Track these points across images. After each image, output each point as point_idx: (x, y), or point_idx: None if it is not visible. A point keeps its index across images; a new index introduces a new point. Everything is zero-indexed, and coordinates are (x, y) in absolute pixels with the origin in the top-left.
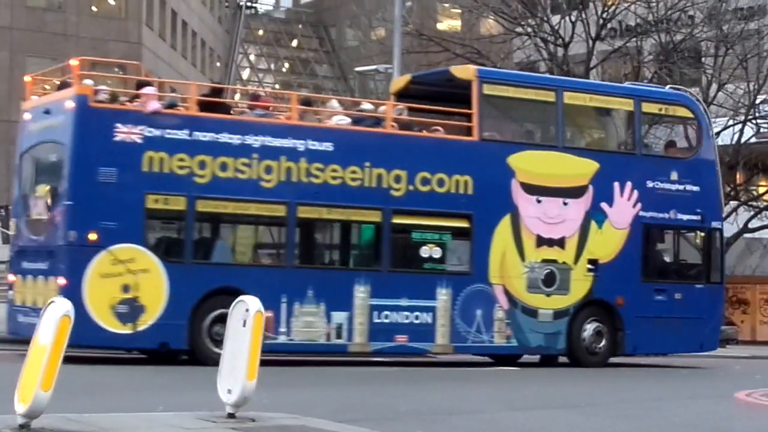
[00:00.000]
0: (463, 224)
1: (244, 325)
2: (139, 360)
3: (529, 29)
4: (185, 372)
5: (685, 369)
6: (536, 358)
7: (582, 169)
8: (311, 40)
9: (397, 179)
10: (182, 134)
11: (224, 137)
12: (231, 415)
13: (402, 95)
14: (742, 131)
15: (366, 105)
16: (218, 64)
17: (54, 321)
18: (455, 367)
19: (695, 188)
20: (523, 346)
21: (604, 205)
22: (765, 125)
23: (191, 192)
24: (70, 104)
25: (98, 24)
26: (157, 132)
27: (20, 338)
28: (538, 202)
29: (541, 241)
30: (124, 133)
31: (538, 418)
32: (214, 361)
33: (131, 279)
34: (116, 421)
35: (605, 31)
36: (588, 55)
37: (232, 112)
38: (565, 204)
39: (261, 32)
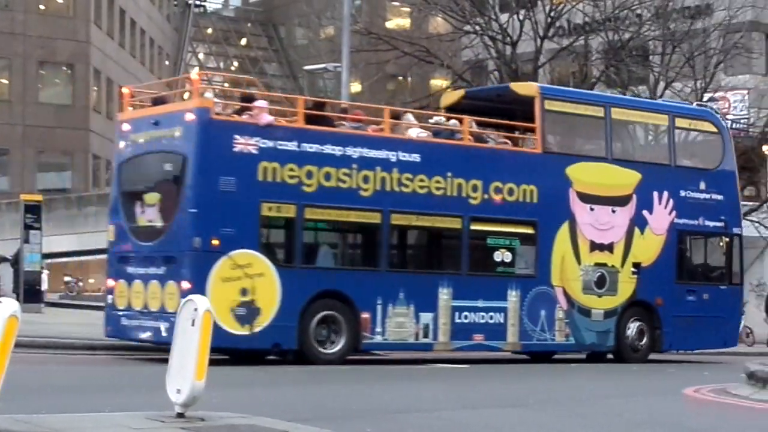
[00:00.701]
0: (529, 230)
1: (192, 325)
2: (87, 360)
3: (478, 28)
4: (134, 372)
5: (634, 365)
6: (481, 355)
7: (627, 179)
8: (260, 38)
9: (474, 188)
10: (291, 146)
11: (328, 149)
12: (180, 415)
13: (453, 109)
14: None
15: (439, 118)
16: (167, 62)
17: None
18: (412, 366)
19: (719, 197)
20: (579, 344)
21: (645, 213)
22: None
23: (300, 200)
24: (191, 116)
25: (46, 22)
26: (270, 143)
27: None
28: (591, 210)
29: (593, 246)
30: (242, 144)
31: (490, 415)
32: (320, 360)
33: (248, 283)
34: (65, 421)
35: (553, 29)
36: (536, 54)
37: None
38: (613, 212)
39: (210, 30)
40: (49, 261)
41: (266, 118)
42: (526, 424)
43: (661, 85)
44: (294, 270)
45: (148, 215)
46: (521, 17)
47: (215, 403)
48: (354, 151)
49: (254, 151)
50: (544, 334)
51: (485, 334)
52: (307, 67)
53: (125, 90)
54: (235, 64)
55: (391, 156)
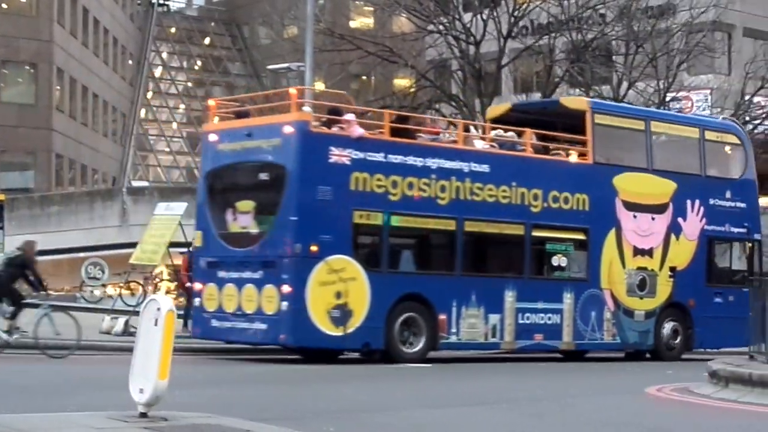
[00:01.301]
0: (581, 237)
1: (155, 324)
2: (49, 359)
3: (441, 27)
4: (97, 372)
5: (596, 364)
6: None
7: (665, 188)
8: (224, 38)
9: (535, 197)
10: (379, 157)
11: (410, 160)
12: (143, 415)
13: (499, 121)
14: None
15: (498, 131)
16: (130, 61)
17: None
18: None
19: (743, 205)
20: (624, 343)
21: (680, 220)
22: None
23: (386, 208)
24: (290, 129)
25: (8, 21)
26: (361, 155)
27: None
28: (634, 217)
29: (636, 251)
30: (337, 155)
31: (453, 415)
32: (402, 359)
33: (342, 286)
34: (28, 421)
35: (517, 29)
36: (500, 53)
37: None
38: (653, 219)
39: (173, 30)
40: None
41: (358, 131)
42: (488, 423)
43: (624, 85)
44: (381, 274)
45: (242, 222)
46: (485, 17)
47: (179, 402)
48: (432, 162)
49: (347, 162)
50: (594, 333)
51: (544, 333)
52: (270, 67)
53: (211, 102)
54: (199, 63)
55: (464, 167)
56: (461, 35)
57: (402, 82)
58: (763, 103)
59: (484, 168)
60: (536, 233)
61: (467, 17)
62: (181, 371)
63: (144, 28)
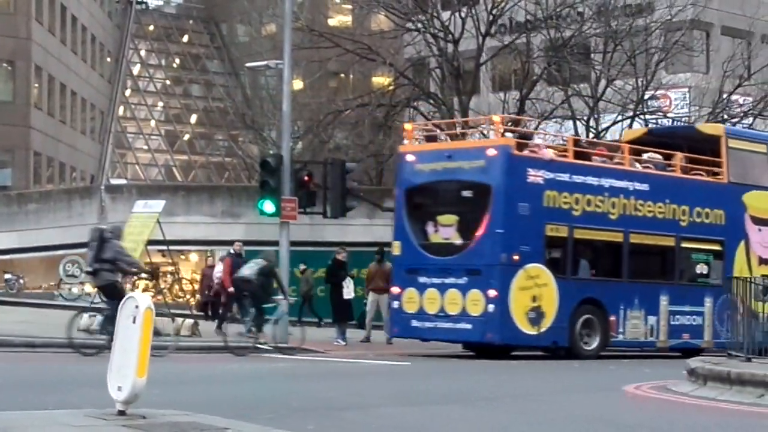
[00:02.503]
0: (718, 248)
1: (134, 322)
2: (27, 357)
3: (420, 25)
4: (75, 370)
5: (576, 362)
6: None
7: None
8: (202, 35)
9: (683, 213)
10: (565, 177)
11: (589, 180)
12: (121, 413)
13: (636, 143)
14: (630, 126)
15: (652, 155)
16: (109, 59)
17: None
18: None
19: None
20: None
21: None
22: (653, 120)
23: (570, 222)
24: (494, 152)
25: None
26: (551, 175)
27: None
28: (759, 230)
29: (761, 261)
30: (533, 176)
31: (433, 413)
32: (582, 356)
33: (537, 291)
34: (4, 419)
35: (495, 27)
36: (478, 51)
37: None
38: None
39: (151, 27)
40: None
41: (549, 154)
42: (466, 421)
43: (603, 83)
44: (566, 281)
45: (444, 234)
46: (463, 15)
47: (157, 400)
48: (606, 182)
49: (541, 182)
50: (728, 333)
51: (690, 333)
52: (248, 65)
53: (408, 126)
54: (177, 61)
55: (630, 186)
56: (439, 33)
57: (380, 80)
58: (741, 102)
59: (645, 187)
60: (684, 245)
61: (445, 15)
62: (160, 369)
63: (122, 26)
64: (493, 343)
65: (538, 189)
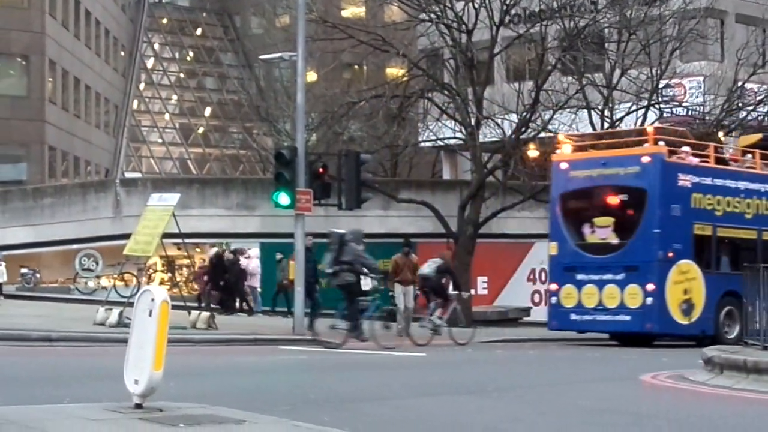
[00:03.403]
0: None
1: (150, 315)
2: (44, 352)
3: (433, 16)
4: (92, 363)
5: (590, 352)
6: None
7: None
8: (215, 28)
9: None
10: (708, 181)
11: (728, 183)
12: (138, 406)
13: (751, 147)
14: (645, 116)
15: None
16: (122, 53)
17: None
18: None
19: None
20: None
21: None
22: (667, 110)
23: (714, 222)
24: (648, 159)
25: (0, 13)
26: (696, 179)
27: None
28: None
29: None
30: (682, 180)
31: (448, 403)
32: (725, 343)
33: (688, 285)
34: (22, 413)
35: (509, 17)
36: (492, 42)
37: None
38: None
39: (165, 21)
40: (5, 253)
41: (694, 160)
42: (483, 412)
43: (617, 72)
44: (712, 275)
45: (601, 234)
46: (477, 5)
47: (174, 393)
48: (742, 185)
49: (689, 185)
50: None
51: None
52: (262, 57)
53: (562, 137)
54: (191, 53)
55: (762, 188)
56: (453, 24)
57: (394, 72)
58: (755, 90)
59: None
60: None
61: (459, 5)
62: (177, 362)
63: (136, 19)
64: (651, 332)
65: (687, 192)
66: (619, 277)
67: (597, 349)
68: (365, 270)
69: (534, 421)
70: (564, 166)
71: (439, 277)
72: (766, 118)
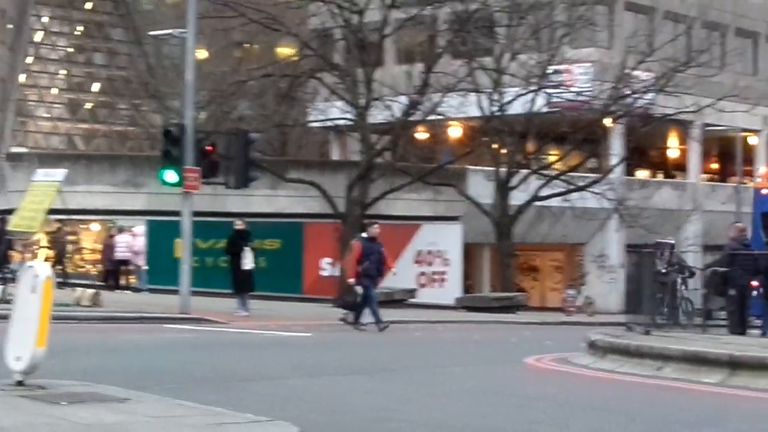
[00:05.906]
0: None
1: (33, 292)
2: None
3: None
4: None
5: (476, 335)
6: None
7: None
8: (106, 3)
9: None
10: None
11: None
12: (20, 383)
13: None
14: (533, 101)
15: None
16: (10, 26)
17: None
18: (261, 334)
19: None
20: None
21: None
22: (556, 95)
23: None
24: None
25: None
26: None
27: None
28: None
29: None
30: None
31: (336, 384)
32: None
33: None
34: None
35: None
36: (383, 23)
37: None
38: None
39: None
40: None
41: None
42: (372, 393)
43: (507, 56)
44: None
45: None
46: None
47: (56, 371)
48: None
49: None
50: None
51: None
52: (152, 33)
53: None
54: (80, 28)
55: None
56: (344, 4)
57: (285, 51)
58: (643, 77)
59: None
60: None
61: None
62: (60, 339)
63: None
64: None
65: None
66: None
67: (481, 332)
68: None
69: (425, 404)
70: (765, 192)
71: None
72: (652, 106)
